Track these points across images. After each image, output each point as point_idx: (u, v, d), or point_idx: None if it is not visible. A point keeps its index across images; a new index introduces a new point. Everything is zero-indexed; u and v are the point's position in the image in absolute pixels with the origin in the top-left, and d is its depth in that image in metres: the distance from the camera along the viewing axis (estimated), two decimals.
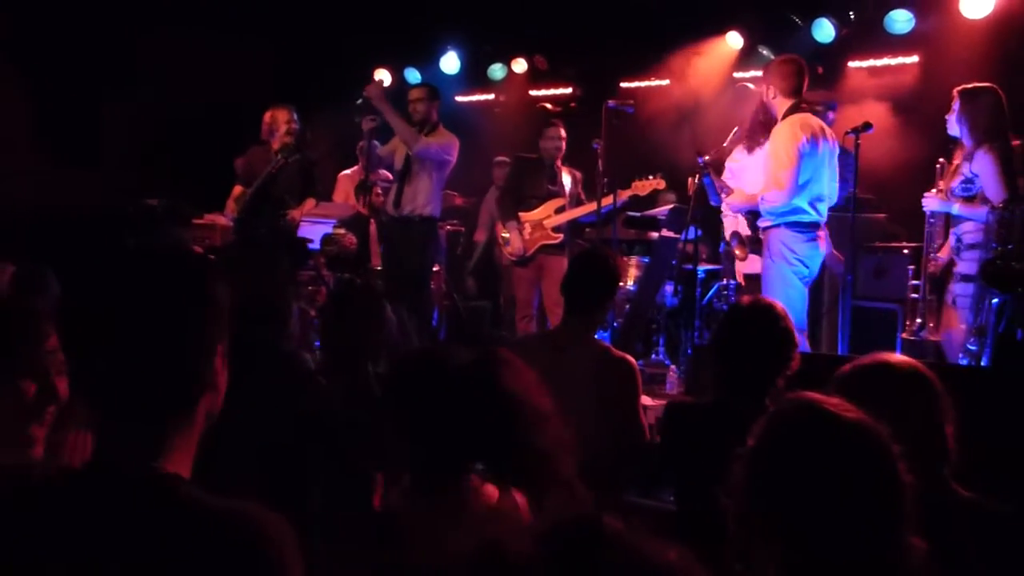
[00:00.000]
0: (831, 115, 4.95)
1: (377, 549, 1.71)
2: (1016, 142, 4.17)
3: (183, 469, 1.17)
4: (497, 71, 8.15)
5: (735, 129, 5.42)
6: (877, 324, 5.05)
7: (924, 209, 4.45)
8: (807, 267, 4.47)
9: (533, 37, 7.75)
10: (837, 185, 4.63)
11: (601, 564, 0.82)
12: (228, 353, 1.23)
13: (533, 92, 8.15)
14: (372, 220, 6.07)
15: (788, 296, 4.21)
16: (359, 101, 5.62)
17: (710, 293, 6.05)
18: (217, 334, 1.21)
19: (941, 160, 4.47)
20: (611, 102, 5.52)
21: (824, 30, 6.40)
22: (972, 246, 4.20)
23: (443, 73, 8.03)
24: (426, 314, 5.93)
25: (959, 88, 4.25)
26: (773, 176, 4.46)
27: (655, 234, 6.49)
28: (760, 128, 4.78)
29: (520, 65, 7.97)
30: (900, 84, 6.37)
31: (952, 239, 4.36)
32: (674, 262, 6.04)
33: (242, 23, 6.93)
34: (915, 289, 4.60)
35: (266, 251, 5.29)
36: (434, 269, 6.24)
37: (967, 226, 4.24)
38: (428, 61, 8.05)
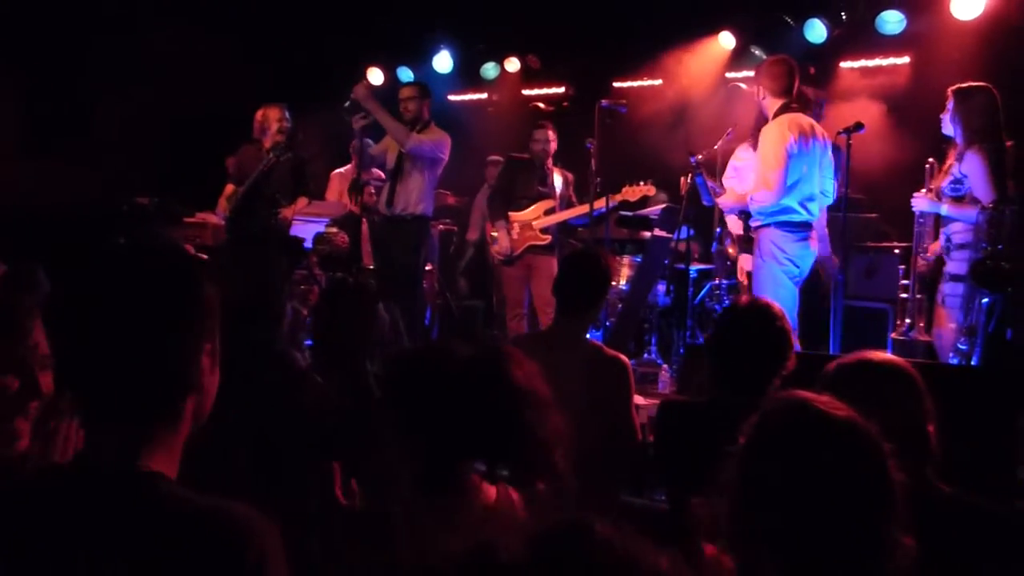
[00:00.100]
0: (821, 111, 4.97)
1: (370, 549, 1.71)
2: (1009, 143, 4.18)
3: (167, 468, 1.16)
4: (490, 70, 8.15)
5: (729, 130, 5.44)
6: (869, 324, 5.08)
7: (913, 209, 4.47)
8: (797, 267, 4.48)
9: (526, 36, 7.75)
10: (835, 183, 4.64)
11: (592, 569, 0.83)
12: (221, 353, 1.23)
13: (526, 91, 8.15)
14: (364, 219, 6.07)
15: (778, 296, 4.22)
16: (347, 103, 5.61)
17: (702, 293, 6.07)
18: (205, 334, 1.20)
19: (931, 160, 4.49)
20: (604, 102, 5.53)
21: (816, 30, 6.42)
22: (961, 246, 4.22)
23: (436, 72, 8.02)
24: (419, 313, 5.93)
25: (953, 87, 4.27)
26: (762, 176, 4.48)
27: (647, 233, 6.50)
28: (764, 126, 4.80)
29: (513, 64, 7.97)
30: (891, 85, 6.39)
31: (942, 239, 4.38)
32: (666, 261, 6.06)
33: (234, 21, 6.91)
34: (905, 289, 4.62)
35: (261, 250, 5.28)
36: (427, 268, 6.24)
37: (956, 226, 4.26)
38: (421, 60, 8.05)
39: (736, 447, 1.40)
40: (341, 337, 2.69)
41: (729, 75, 6.81)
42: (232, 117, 6.01)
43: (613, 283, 6.08)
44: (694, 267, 5.80)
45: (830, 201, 4.67)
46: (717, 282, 5.83)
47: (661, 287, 6.23)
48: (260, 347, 2.29)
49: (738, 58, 6.85)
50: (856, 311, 5.10)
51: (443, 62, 8.02)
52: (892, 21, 6.24)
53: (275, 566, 1.11)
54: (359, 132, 5.66)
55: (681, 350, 5.50)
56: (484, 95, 8.53)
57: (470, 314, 7.13)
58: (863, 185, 5.58)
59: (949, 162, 4.31)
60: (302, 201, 5.74)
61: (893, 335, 4.64)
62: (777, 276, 4.46)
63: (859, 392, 1.43)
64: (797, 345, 4.12)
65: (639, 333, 6.30)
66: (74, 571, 1.07)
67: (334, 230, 6.08)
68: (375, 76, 7.82)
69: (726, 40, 6.83)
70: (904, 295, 4.62)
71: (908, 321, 4.53)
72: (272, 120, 5.65)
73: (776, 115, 4.53)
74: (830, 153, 4.62)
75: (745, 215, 4.89)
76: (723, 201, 5.02)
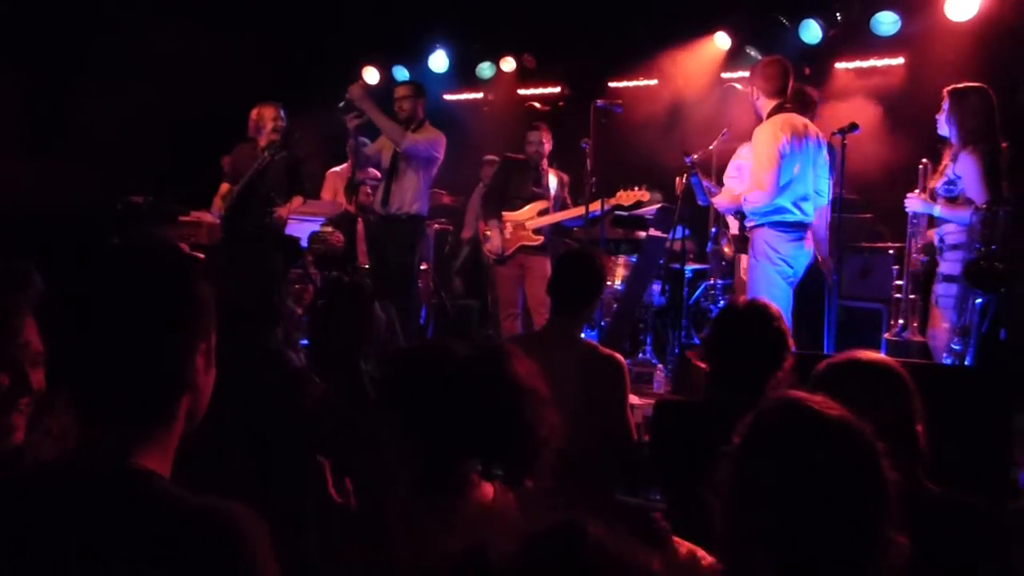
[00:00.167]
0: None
1: (366, 549, 1.71)
2: (1004, 144, 4.20)
3: (160, 467, 1.16)
4: (485, 70, 8.15)
5: (724, 130, 5.44)
6: (863, 324, 5.09)
7: (907, 210, 4.48)
8: (791, 267, 4.49)
9: (522, 36, 7.75)
10: (830, 182, 4.65)
11: (584, 570, 0.83)
12: (218, 352, 1.23)
13: (521, 91, 8.16)
14: (359, 218, 6.06)
15: (772, 296, 4.23)
16: (341, 104, 5.61)
17: (697, 292, 6.08)
18: (199, 333, 1.20)
19: (924, 161, 4.50)
20: (600, 101, 5.53)
21: (811, 31, 6.43)
22: (954, 247, 4.24)
23: (431, 71, 8.02)
24: (413, 312, 5.93)
25: (949, 88, 4.28)
26: (754, 177, 4.49)
27: (643, 233, 6.51)
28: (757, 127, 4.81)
29: (508, 64, 7.97)
30: (886, 85, 6.41)
31: (936, 239, 4.39)
32: (661, 261, 6.06)
33: (230, 20, 6.90)
34: (899, 289, 4.64)
35: (258, 249, 5.27)
36: (422, 267, 6.24)
37: (949, 227, 4.28)
38: (416, 59, 8.04)
39: (731, 447, 1.40)
40: (338, 337, 2.69)
41: (724, 75, 6.83)
42: (228, 116, 6.01)
43: (608, 283, 6.09)
44: (689, 267, 5.80)
45: (824, 201, 4.67)
46: (712, 282, 5.83)
47: (656, 287, 6.24)
48: (257, 347, 2.29)
49: (734, 58, 6.87)
50: (851, 311, 5.12)
51: (439, 61, 8.02)
52: (887, 22, 6.26)
53: (265, 565, 1.11)
54: (353, 131, 5.66)
55: (676, 350, 5.51)
56: (480, 94, 8.53)
57: (465, 313, 7.13)
58: (857, 185, 5.59)
59: (944, 162, 4.32)
60: (297, 200, 5.73)
61: (886, 335, 4.66)
62: (771, 276, 4.47)
63: (848, 392, 1.44)
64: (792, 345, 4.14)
65: (634, 333, 6.31)
66: (66, 568, 1.07)
67: (329, 229, 6.08)
68: (371, 75, 7.82)
69: (721, 40, 6.84)
70: (898, 295, 4.63)
71: (901, 322, 4.55)
72: (267, 119, 5.64)
73: (770, 115, 4.54)
74: (824, 153, 4.63)
75: (740, 215, 4.90)
76: (718, 201, 5.03)
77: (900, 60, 6.50)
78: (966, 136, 4.18)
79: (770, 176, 4.38)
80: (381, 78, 7.88)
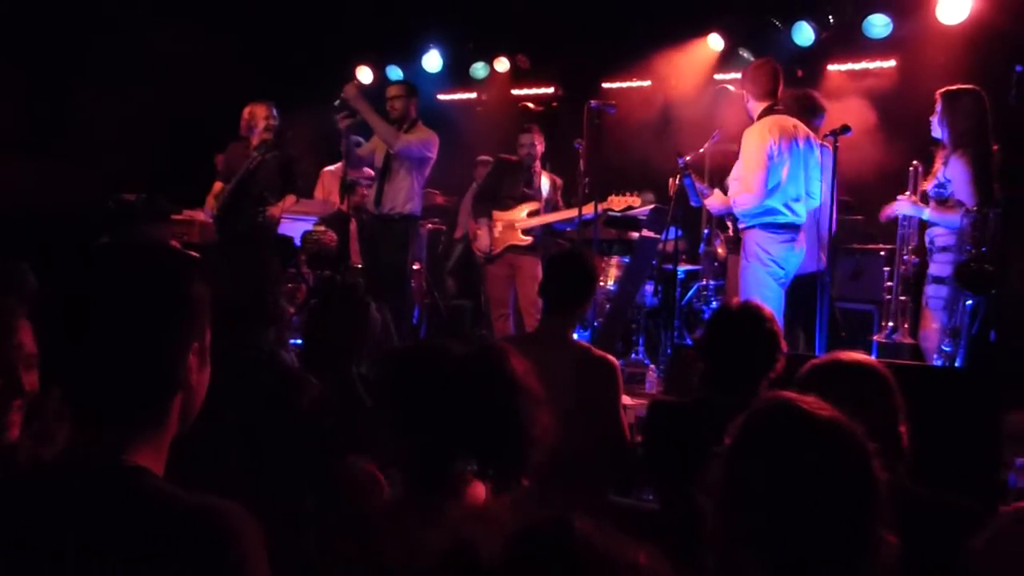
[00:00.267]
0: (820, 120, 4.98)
1: (357, 549, 1.71)
2: (995, 147, 4.22)
3: (153, 465, 1.16)
4: (479, 70, 8.15)
5: (715, 132, 5.46)
6: (855, 325, 5.11)
7: (898, 212, 4.51)
8: (782, 268, 4.51)
9: (515, 36, 7.76)
10: (822, 186, 4.66)
11: (572, 565, 0.84)
12: (213, 352, 1.23)
13: (515, 91, 8.16)
14: (353, 218, 6.06)
15: (763, 297, 4.24)
16: (336, 103, 5.60)
17: (689, 293, 6.09)
18: (193, 332, 1.19)
19: (915, 163, 4.53)
20: (593, 102, 5.54)
21: (804, 33, 6.46)
22: (943, 249, 4.27)
23: (425, 71, 8.02)
24: (406, 312, 5.93)
25: (942, 90, 4.30)
26: (743, 179, 4.51)
27: (636, 234, 6.52)
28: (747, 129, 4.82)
29: (502, 64, 7.97)
30: (878, 87, 6.44)
31: (927, 241, 4.42)
32: (654, 262, 6.08)
33: (225, 20, 6.89)
34: (890, 291, 4.66)
35: (254, 249, 5.27)
36: (415, 267, 6.24)
37: (938, 229, 4.31)
38: (410, 59, 8.04)
39: (722, 447, 1.41)
40: (333, 337, 2.69)
41: (718, 77, 6.85)
42: (221, 115, 6.00)
43: (601, 283, 6.10)
44: (682, 268, 5.82)
45: (817, 203, 4.69)
46: (704, 283, 5.85)
47: (649, 287, 6.25)
48: (253, 347, 2.29)
49: (726, 60, 6.89)
50: (842, 313, 5.14)
51: (432, 61, 8.02)
52: (879, 25, 6.29)
53: (256, 563, 1.11)
54: (344, 131, 5.66)
55: (668, 350, 5.52)
56: (473, 95, 8.53)
57: (458, 313, 7.13)
58: (849, 187, 5.61)
59: (936, 165, 4.35)
60: (290, 199, 5.72)
61: (875, 337, 4.68)
62: (762, 277, 4.48)
63: (832, 393, 1.45)
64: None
65: (627, 333, 6.32)
66: (59, 565, 1.07)
67: (322, 228, 6.07)
68: (364, 75, 7.81)
69: (715, 42, 6.86)
70: (890, 297, 4.66)
71: (891, 324, 4.57)
72: (259, 118, 5.63)
73: (760, 117, 4.56)
74: (817, 154, 4.64)
75: (733, 217, 4.91)
76: (710, 203, 5.04)
77: (892, 63, 6.53)
78: (957, 138, 4.20)
79: (758, 179, 4.40)
80: (375, 77, 7.87)
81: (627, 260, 6.40)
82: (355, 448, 1.85)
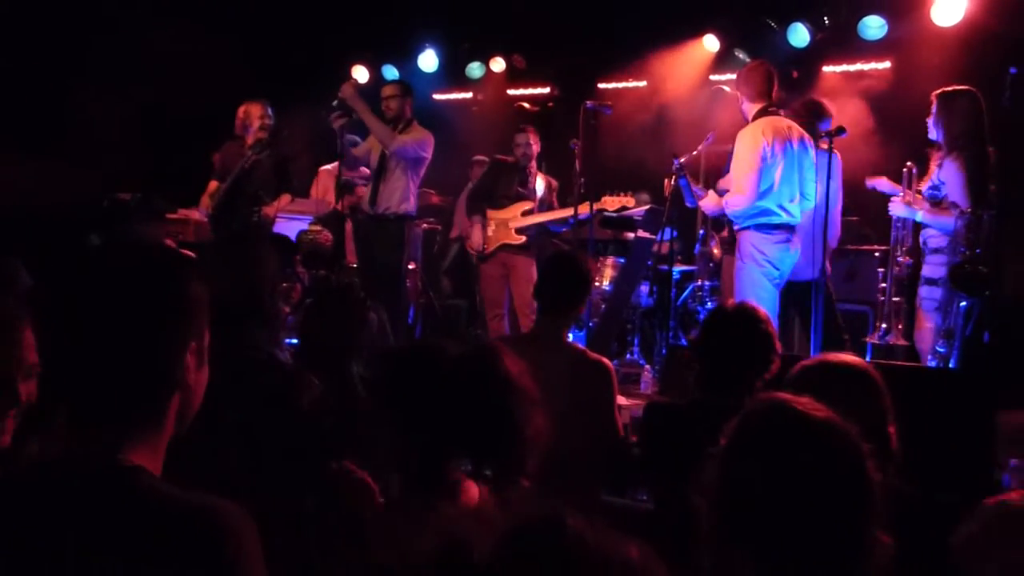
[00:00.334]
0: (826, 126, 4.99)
1: (352, 549, 1.71)
2: (992, 150, 4.23)
3: (150, 464, 1.16)
4: (475, 69, 8.15)
5: (709, 133, 5.47)
6: (850, 327, 5.12)
7: (890, 214, 4.53)
8: (777, 269, 4.52)
9: (511, 36, 7.76)
10: (816, 187, 4.67)
11: (564, 561, 0.83)
12: (212, 352, 1.23)
13: (511, 91, 8.16)
14: (348, 217, 6.06)
15: (758, 297, 4.26)
16: (334, 102, 5.60)
17: (685, 294, 6.10)
18: (190, 332, 1.19)
19: (909, 164, 4.55)
20: (589, 103, 5.54)
21: (799, 35, 6.47)
22: (936, 251, 4.29)
23: (421, 70, 8.01)
24: (402, 312, 5.93)
25: (937, 91, 4.32)
26: (735, 181, 4.53)
27: (631, 234, 6.52)
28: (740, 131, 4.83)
29: (498, 64, 7.97)
30: (873, 89, 6.45)
31: (920, 242, 4.44)
32: (650, 263, 6.08)
33: (221, 19, 6.87)
34: (885, 292, 4.67)
35: (251, 248, 5.25)
36: (410, 267, 6.23)
37: (931, 231, 4.33)
38: (406, 58, 8.04)
39: (717, 448, 1.41)
40: (330, 338, 2.68)
41: (713, 78, 6.86)
42: (216, 114, 5.98)
43: (596, 283, 6.11)
44: (677, 268, 5.82)
45: (812, 204, 4.70)
46: (700, 283, 5.86)
47: (644, 288, 6.26)
48: (252, 347, 2.28)
49: (722, 61, 6.89)
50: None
51: (428, 61, 8.01)
52: (874, 26, 6.30)
53: (252, 562, 1.11)
54: (339, 131, 5.65)
55: (663, 351, 5.53)
56: (469, 94, 8.52)
57: (453, 313, 7.13)
58: (844, 188, 5.62)
59: (932, 166, 4.36)
60: (285, 198, 5.72)
61: (868, 339, 4.69)
62: (756, 278, 4.49)
63: (820, 394, 1.45)
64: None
65: (622, 334, 6.32)
66: (55, 564, 1.07)
67: (317, 228, 6.07)
68: (360, 74, 7.80)
69: (710, 43, 6.87)
70: (883, 298, 4.67)
71: (884, 326, 4.58)
72: (254, 117, 5.63)
73: (755, 119, 4.57)
74: (812, 155, 4.65)
75: (728, 218, 4.92)
76: (705, 204, 5.06)
77: (887, 64, 6.54)
78: (952, 141, 4.21)
79: (750, 180, 4.42)
80: (370, 77, 7.86)
81: (623, 261, 6.40)
82: (354, 448, 1.84)
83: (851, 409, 1.41)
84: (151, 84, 6.49)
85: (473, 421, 1.71)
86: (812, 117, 4.80)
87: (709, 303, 5.67)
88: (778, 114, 4.62)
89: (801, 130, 4.65)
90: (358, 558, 1.63)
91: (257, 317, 2.34)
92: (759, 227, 4.51)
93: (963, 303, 4.09)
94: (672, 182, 5.16)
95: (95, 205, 5.88)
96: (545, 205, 6.04)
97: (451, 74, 8.22)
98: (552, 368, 2.85)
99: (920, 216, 4.35)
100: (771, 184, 4.45)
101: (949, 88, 4.31)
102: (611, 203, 5.73)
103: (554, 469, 1.90)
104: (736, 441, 1.41)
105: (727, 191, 4.72)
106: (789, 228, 4.55)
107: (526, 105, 7.34)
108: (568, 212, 5.74)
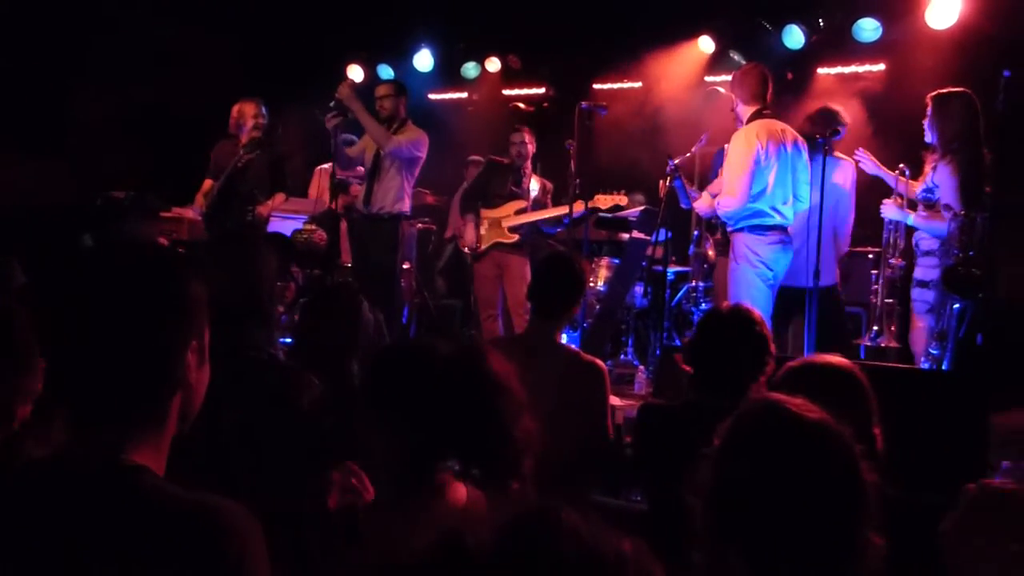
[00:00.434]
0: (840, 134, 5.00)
1: (343, 547, 1.70)
2: (984, 151, 4.24)
3: (153, 464, 1.16)
4: (470, 69, 8.14)
5: (703, 135, 5.48)
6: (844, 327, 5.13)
7: (883, 216, 4.54)
8: (771, 270, 4.53)
9: (507, 36, 7.76)
10: (809, 190, 4.68)
11: (557, 555, 0.84)
12: (214, 352, 1.22)
13: (506, 91, 8.16)
14: (343, 217, 6.05)
15: (752, 298, 4.27)
16: (331, 103, 5.60)
17: (679, 295, 6.11)
18: (190, 331, 1.19)
19: (902, 165, 4.56)
20: (584, 103, 5.55)
21: (794, 36, 6.48)
22: (928, 253, 4.31)
23: (416, 70, 8.01)
24: (396, 312, 5.92)
25: (932, 94, 4.33)
26: (727, 183, 4.54)
27: (626, 235, 6.53)
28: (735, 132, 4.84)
29: (494, 64, 7.97)
30: (867, 91, 6.47)
31: (913, 244, 4.46)
32: (644, 263, 6.09)
33: (216, 16, 6.86)
34: (876, 294, 4.69)
35: (250, 247, 5.25)
36: (404, 267, 6.23)
37: (923, 233, 4.35)
38: (401, 58, 8.03)
39: (711, 448, 1.42)
40: (326, 337, 2.68)
41: (708, 79, 6.87)
42: (211, 112, 5.97)
43: (591, 284, 6.11)
44: (671, 269, 5.83)
45: (805, 206, 4.71)
46: (694, 284, 5.86)
47: (639, 289, 6.26)
48: (251, 347, 2.28)
49: (717, 62, 6.91)
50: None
51: (424, 60, 8.01)
52: (868, 29, 6.32)
53: (256, 562, 1.11)
54: (332, 131, 5.65)
55: (658, 352, 5.53)
56: (464, 94, 8.52)
57: (447, 313, 7.12)
58: None
59: (927, 168, 4.38)
60: (279, 197, 5.71)
61: (860, 341, 4.70)
62: (750, 279, 4.50)
63: (805, 394, 1.46)
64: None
65: (616, 334, 6.33)
66: (58, 564, 1.07)
67: (312, 227, 6.06)
68: (356, 73, 7.79)
69: (705, 44, 6.88)
70: (875, 300, 4.69)
71: (876, 328, 4.60)
72: (248, 116, 5.62)
73: (749, 121, 4.58)
74: (805, 158, 4.67)
75: (719, 220, 4.94)
76: (699, 205, 5.07)
77: (881, 66, 6.56)
78: (947, 143, 4.23)
79: (742, 182, 4.43)
80: (366, 76, 7.85)
81: (617, 261, 6.41)
82: (354, 448, 1.84)
83: (836, 410, 1.41)
84: (146, 83, 6.47)
85: (459, 421, 1.71)
86: (827, 125, 4.80)
87: (703, 304, 5.68)
88: (773, 117, 4.63)
89: (795, 133, 4.66)
90: (356, 558, 1.63)
91: (256, 317, 2.33)
92: (753, 228, 4.52)
93: (956, 305, 4.10)
94: (667, 183, 5.16)
95: (89, 203, 5.86)
96: (539, 206, 6.05)
97: (446, 74, 8.21)
98: (545, 369, 2.86)
99: (911, 220, 4.37)
100: (765, 186, 4.46)
101: (944, 90, 4.32)
102: (604, 201, 5.74)
103: (545, 470, 1.90)
104: (730, 441, 1.41)
105: (716, 194, 4.74)
106: (783, 230, 4.57)
107: (521, 105, 7.36)
108: (562, 210, 5.75)
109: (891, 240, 4.56)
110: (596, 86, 7.63)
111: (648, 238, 5.82)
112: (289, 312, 5.37)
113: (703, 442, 1.43)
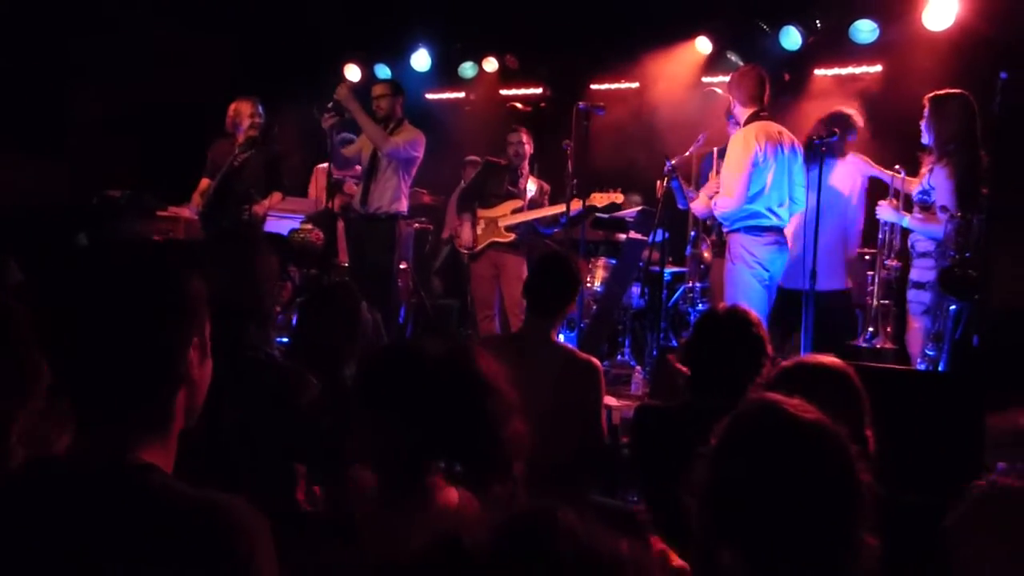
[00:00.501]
0: (852, 136, 5.01)
1: (338, 548, 1.70)
2: (981, 153, 4.25)
3: (162, 461, 1.16)
4: (468, 69, 8.14)
5: (700, 135, 5.48)
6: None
7: (878, 217, 4.55)
8: (767, 270, 4.54)
9: (504, 36, 7.75)
10: (805, 193, 4.69)
11: (555, 555, 0.84)
12: (214, 352, 1.22)
13: (503, 91, 8.16)
14: (340, 217, 6.05)
15: (748, 299, 4.28)
16: (329, 104, 5.60)
17: (676, 295, 6.11)
18: (191, 327, 1.19)
19: (897, 166, 4.57)
20: (582, 104, 5.55)
21: (791, 37, 6.48)
22: (923, 255, 4.32)
23: (413, 70, 8.00)
24: (393, 312, 5.92)
25: (930, 95, 4.34)
26: (725, 183, 4.55)
27: (623, 236, 6.53)
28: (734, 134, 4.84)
29: (491, 64, 7.96)
30: (864, 92, 6.47)
31: (909, 245, 4.46)
32: (641, 264, 6.09)
33: (214, 16, 6.85)
34: (872, 295, 4.70)
35: (251, 247, 5.24)
36: (401, 267, 6.23)
37: (918, 235, 4.35)
38: (399, 57, 8.02)
39: (707, 448, 1.42)
40: (324, 338, 2.68)
41: (705, 80, 6.87)
42: (208, 111, 5.97)
43: (588, 284, 6.11)
44: (668, 270, 5.83)
45: (801, 208, 4.73)
46: (691, 285, 5.87)
47: (635, 289, 6.26)
48: (253, 346, 2.27)
49: (714, 63, 6.91)
50: None
51: (421, 60, 8.00)
52: (865, 30, 6.32)
53: (265, 560, 1.11)
54: (328, 131, 5.64)
55: (654, 352, 5.53)
56: (462, 94, 8.51)
57: (444, 313, 7.12)
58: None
59: (923, 170, 4.38)
60: (276, 196, 5.71)
61: (854, 342, 4.70)
62: (747, 279, 4.51)
63: (798, 395, 1.46)
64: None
65: (613, 335, 6.33)
66: (69, 562, 1.07)
67: (308, 227, 6.06)
68: (353, 73, 7.78)
69: (703, 45, 6.88)
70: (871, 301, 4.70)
71: (871, 329, 4.60)
72: (244, 115, 5.61)
73: (747, 123, 4.59)
74: (801, 160, 4.68)
75: (716, 221, 4.94)
76: (696, 206, 5.08)
77: (878, 68, 6.57)
78: (943, 145, 4.24)
79: (739, 183, 4.44)
80: (363, 76, 7.84)
81: (614, 262, 6.41)
82: (351, 449, 1.84)
83: (827, 410, 1.41)
84: (143, 81, 6.47)
85: (446, 422, 1.70)
86: (842, 128, 4.81)
87: (700, 305, 5.68)
88: (769, 119, 4.64)
89: (792, 135, 4.67)
90: (353, 558, 1.63)
91: (257, 317, 2.33)
92: (749, 229, 4.53)
93: (952, 306, 4.11)
94: (664, 184, 5.17)
95: (85, 203, 5.85)
96: (536, 207, 6.05)
97: (444, 74, 8.20)
98: (539, 368, 2.86)
99: (906, 222, 4.38)
100: (763, 187, 4.48)
101: (941, 92, 4.33)
102: (600, 199, 5.74)
103: (539, 469, 1.90)
104: (726, 440, 1.41)
105: (713, 195, 4.75)
106: (778, 231, 4.58)
107: (519, 105, 7.35)
108: (558, 208, 5.76)
109: (887, 241, 4.57)
110: (593, 86, 7.62)
111: (645, 239, 5.82)
112: (285, 312, 5.36)
113: (700, 443, 1.43)
